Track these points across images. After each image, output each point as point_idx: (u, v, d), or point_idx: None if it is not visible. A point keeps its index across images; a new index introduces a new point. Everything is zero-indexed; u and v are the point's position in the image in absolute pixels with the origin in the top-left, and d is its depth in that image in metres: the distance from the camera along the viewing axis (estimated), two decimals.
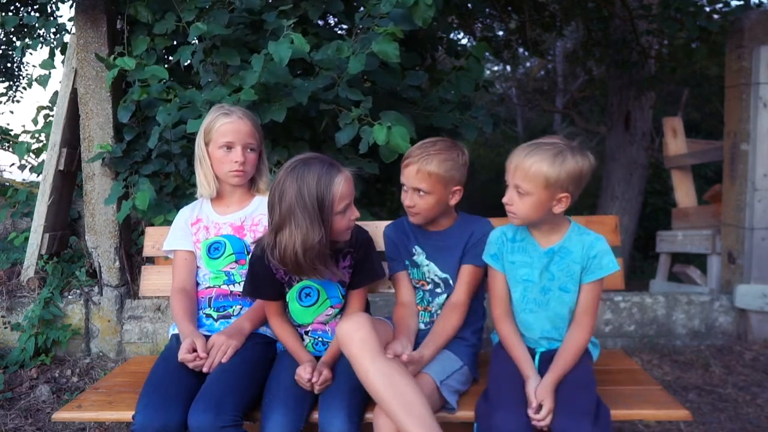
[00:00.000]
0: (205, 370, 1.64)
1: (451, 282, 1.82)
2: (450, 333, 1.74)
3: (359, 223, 1.75)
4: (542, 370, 1.61)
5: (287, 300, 1.74)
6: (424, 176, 1.70)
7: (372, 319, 1.59)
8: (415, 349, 1.66)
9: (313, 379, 1.55)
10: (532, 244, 1.68)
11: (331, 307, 1.75)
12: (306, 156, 1.58)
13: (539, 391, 1.52)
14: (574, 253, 1.63)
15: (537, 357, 1.68)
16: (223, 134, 1.84)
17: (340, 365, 1.65)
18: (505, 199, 1.61)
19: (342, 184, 1.54)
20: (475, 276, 1.80)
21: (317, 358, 1.69)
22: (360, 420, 1.54)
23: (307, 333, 1.78)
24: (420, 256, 1.85)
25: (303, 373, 1.56)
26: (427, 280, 1.85)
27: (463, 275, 1.80)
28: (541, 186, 1.53)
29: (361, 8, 2.42)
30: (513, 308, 1.73)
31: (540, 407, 1.49)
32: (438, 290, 1.84)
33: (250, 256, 1.77)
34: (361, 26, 2.41)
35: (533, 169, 1.53)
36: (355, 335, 1.50)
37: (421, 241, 1.85)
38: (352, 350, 1.50)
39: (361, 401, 1.58)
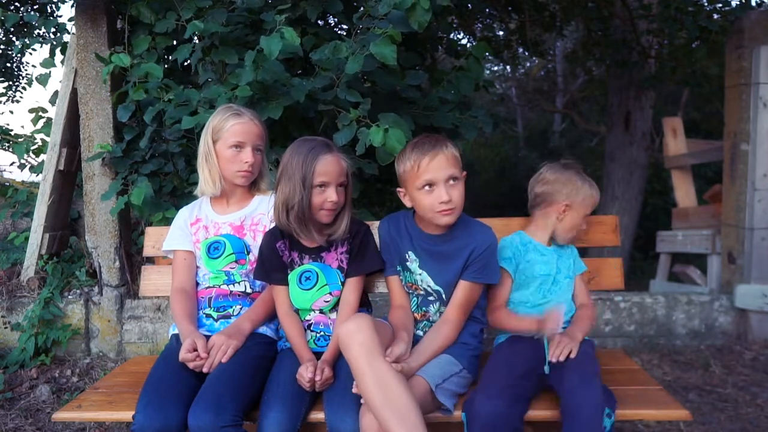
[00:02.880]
0: (205, 370, 1.64)
1: (443, 295, 1.76)
2: (437, 349, 1.69)
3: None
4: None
5: (288, 281, 1.77)
6: (454, 160, 1.66)
7: (373, 322, 1.57)
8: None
9: (316, 378, 1.56)
10: (540, 245, 1.89)
11: (330, 294, 1.76)
12: (310, 137, 1.76)
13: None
14: (565, 250, 1.92)
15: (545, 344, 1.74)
16: (234, 134, 1.85)
17: (344, 364, 1.64)
18: (583, 228, 1.90)
19: (325, 162, 1.67)
20: (473, 293, 1.74)
21: (318, 354, 1.70)
22: None
23: (309, 327, 1.79)
24: (413, 263, 1.79)
25: (305, 373, 1.57)
26: (420, 287, 1.80)
27: (461, 291, 1.73)
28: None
29: (361, 8, 2.42)
30: (525, 302, 1.85)
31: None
32: (430, 299, 1.79)
33: (260, 243, 1.82)
34: (360, 26, 2.41)
35: (596, 197, 1.88)
36: (354, 338, 1.49)
37: (416, 245, 1.78)
38: (351, 352, 1.49)
39: None
